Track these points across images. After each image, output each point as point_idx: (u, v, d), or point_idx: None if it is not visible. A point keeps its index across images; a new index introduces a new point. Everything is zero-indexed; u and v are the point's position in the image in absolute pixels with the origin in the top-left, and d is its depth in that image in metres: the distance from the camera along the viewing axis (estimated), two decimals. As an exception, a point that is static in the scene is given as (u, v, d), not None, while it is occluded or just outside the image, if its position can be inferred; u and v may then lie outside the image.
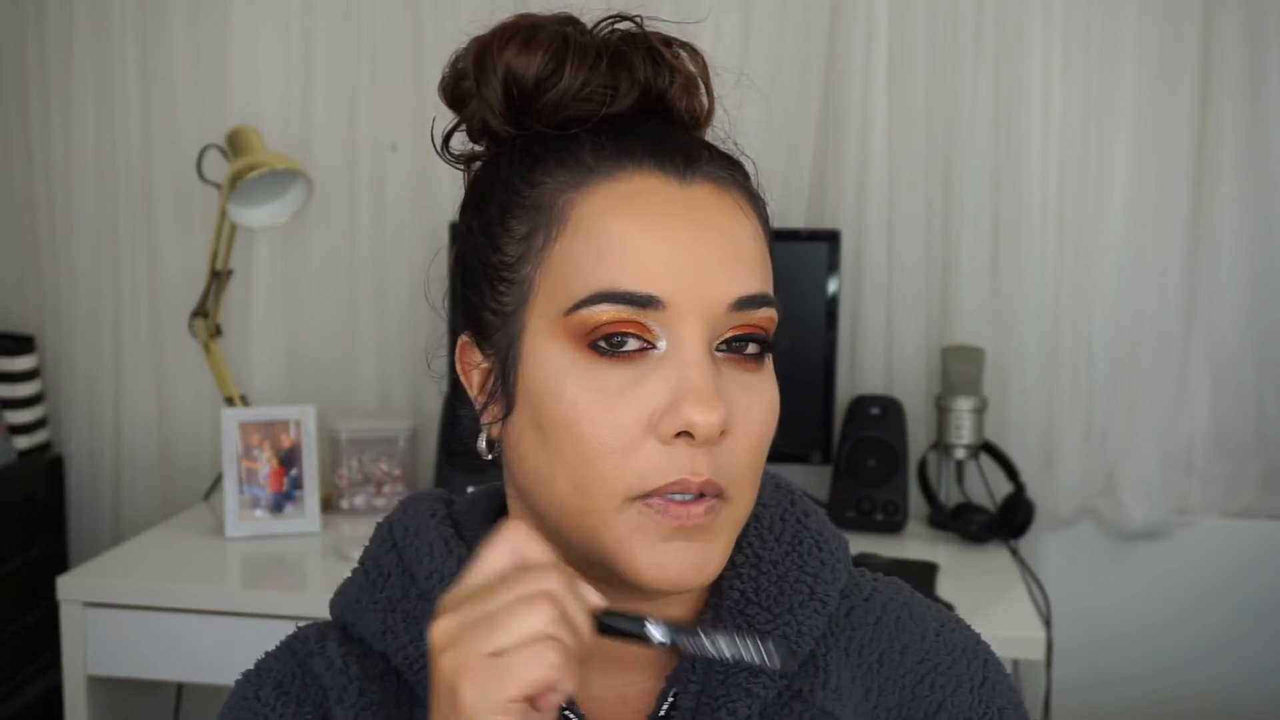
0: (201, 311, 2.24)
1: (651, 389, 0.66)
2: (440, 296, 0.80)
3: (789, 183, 2.23)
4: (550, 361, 0.68)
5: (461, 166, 0.77)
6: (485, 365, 0.73)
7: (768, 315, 0.69)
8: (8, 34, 2.40)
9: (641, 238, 0.67)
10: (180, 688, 2.22)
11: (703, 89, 0.74)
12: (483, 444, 0.73)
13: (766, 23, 2.21)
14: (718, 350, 0.68)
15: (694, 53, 0.73)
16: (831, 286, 2.13)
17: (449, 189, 2.31)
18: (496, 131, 0.73)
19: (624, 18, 0.72)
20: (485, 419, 0.73)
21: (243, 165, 2.12)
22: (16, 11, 2.39)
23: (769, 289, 0.70)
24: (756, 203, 0.73)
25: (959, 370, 2.13)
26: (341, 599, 0.79)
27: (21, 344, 2.36)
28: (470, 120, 0.74)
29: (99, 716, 1.90)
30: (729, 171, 0.72)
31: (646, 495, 0.66)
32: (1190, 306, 2.19)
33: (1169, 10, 2.12)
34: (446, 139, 0.76)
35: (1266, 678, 2.18)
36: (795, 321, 2.12)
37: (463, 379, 0.75)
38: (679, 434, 0.66)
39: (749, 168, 0.74)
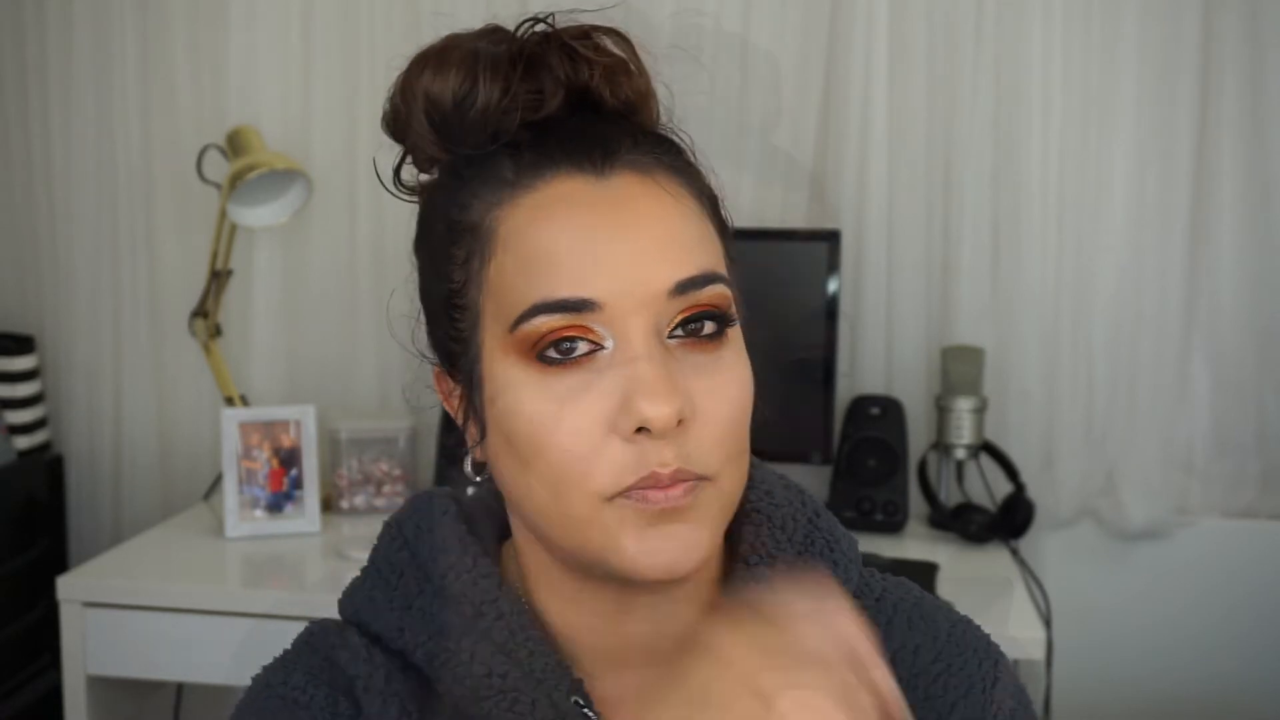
0: (201, 311, 2.24)
1: (604, 389, 0.66)
2: (406, 332, 0.81)
3: (789, 183, 2.23)
4: (506, 379, 0.68)
5: (414, 198, 0.77)
6: (458, 392, 0.73)
7: (716, 292, 0.68)
8: (8, 34, 2.41)
9: (568, 242, 0.66)
10: (180, 688, 2.22)
11: (633, 72, 0.72)
12: (468, 467, 0.74)
13: (766, 23, 2.21)
14: (671, 337, 0.67)
15: (619, 37, 0.72)
16: (831, 286, 2.13)
17: (449, 189, 2.30)
18: (438, 158, 0.73)
19: (538, 20, 0.71)
20: (468, 443, 0.73)
21: (243, 165, 2.12)
22: (16, 11, 2.39)
23: (714, 266, 0.69)
24: (690, 179, 0.71)
25: (959, 370, 2.13)
26: (352, 599, 0.79)
27: (21, 344, 2.36)
28: (413, 151, 0.74)
29: (99, 716, 1.90)
30: (653, 155, 0.70)
31: (622, 493, 0.66)
32: (1190, 306, 2.19)
33: (1169, 10, 2.12)
34: (396, 173, 0.77)
35: (1267, 678, 2.18)
36: (795, 321, 2.12)
37: (445, 406, 0.76)
38: (638, 430, 0.65)
39: (687, 142, 0.73)
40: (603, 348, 0.66)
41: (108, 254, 2.40)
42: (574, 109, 0.71)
